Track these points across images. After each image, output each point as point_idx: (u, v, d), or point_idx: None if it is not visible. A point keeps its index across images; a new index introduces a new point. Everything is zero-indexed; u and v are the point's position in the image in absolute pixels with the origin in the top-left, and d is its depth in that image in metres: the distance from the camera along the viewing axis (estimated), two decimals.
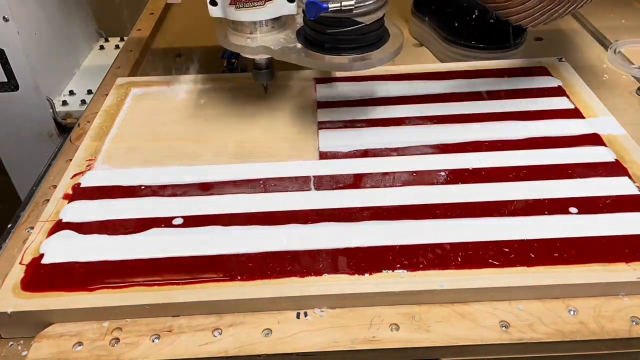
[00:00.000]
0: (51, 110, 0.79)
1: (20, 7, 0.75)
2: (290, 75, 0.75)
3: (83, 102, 0.83)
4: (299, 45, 0.61)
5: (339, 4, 0.54)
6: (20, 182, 0.82)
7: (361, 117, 0.67)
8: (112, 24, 1.03)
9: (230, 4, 0.59)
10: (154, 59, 0.88)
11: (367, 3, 0.55)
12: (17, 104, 0.75)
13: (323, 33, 0.58)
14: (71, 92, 0.87)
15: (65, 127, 0.80)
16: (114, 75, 0.81)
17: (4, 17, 0.71)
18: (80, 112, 0.75)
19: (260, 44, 0.61)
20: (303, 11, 0.59)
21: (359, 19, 0.56)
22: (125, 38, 0.96)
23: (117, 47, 0.99)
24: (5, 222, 0.60)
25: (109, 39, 1.02)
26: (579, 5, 0.57)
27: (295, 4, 0.60)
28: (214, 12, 0.61)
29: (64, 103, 0.84)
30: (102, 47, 1.00)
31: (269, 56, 0.63)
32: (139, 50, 0.89)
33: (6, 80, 0.71)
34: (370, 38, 0.59)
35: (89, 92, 0.85)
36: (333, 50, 0.59)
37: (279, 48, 0.61)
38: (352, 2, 0.54)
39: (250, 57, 0.64)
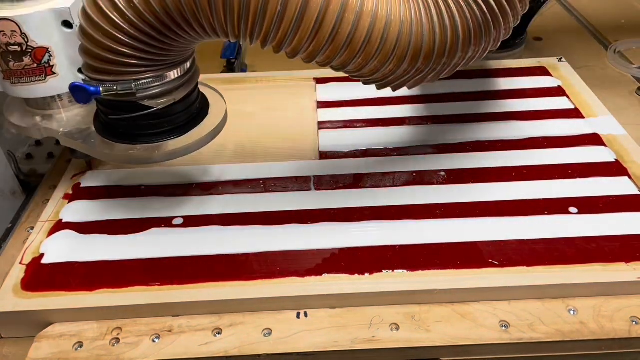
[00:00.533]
0: (13, 166, 0.66)
1: None
2: (291, 76, 0.75)
3: (50, 155, 0.69)
4: (92, 129, 0.50)
5: (114, 87, 0.44)
6: None
7: (361, 117, 0.67)
8: None
9: (5, 78, 0.50)
10: None
11: (152, 85, 0.45)
12: None
13: (110, 118, 0.48)
14: (38, 143, 0.72)
15: (29, 185, 0.66)
16: None
17: None
18: (46, 168, 0.65)
19: (43, 125, 0.52)
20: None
21: (149, 104, 0.46)
22: None
23: None
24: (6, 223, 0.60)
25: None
26: (439, 75, 0.50)
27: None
28: None
29: (29, 156, 0.70)
30: None
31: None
32: None
33: None
34: (175, 121, 0.49)
35: (58, 143, 0.70)
36: (125, 137, 0.48)
37: (67, 131, 0.51)
38: (131, 86, 0.44)
39: (39, 138, 0.54)
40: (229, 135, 0.65)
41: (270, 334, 0.45)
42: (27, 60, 0.49)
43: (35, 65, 0.50)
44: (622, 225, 0.51)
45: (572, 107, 0.67)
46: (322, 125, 0.66)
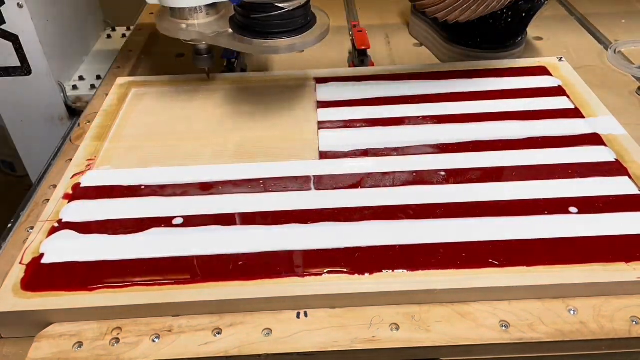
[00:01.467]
0: (62, 94, 0.82)
1: None
2: (291, 75, 0.75)
3: (92, 86, 0.86)
4: (230, 31, 0.65)
5: None
6: (31, 164, 0.85)
7: (361, 117, 0.66)
8: (119, 14, 1.07)
9: None
10: (154, 59, 0.88)
11: None
12: (29, 88, 0.78)
13: (248, 18, 0.62)
14: (81, 77, 0.89)
15: (75, 111, 0.83)
16: (113, 75, 0.81)
17: (18, 4, 0.73)
18: (89, 96, 0.80)
19: (194, 29, 0.65)
20: None
21: (281, 5, 0.60)
22: (132, 27, 1.00)
23: (123, 35, 1.01)
24: (5, 222, 0.60)
25: (116, 28, 1.05)
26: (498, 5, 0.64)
27: None
28: None
29: (74, 87, 0.86)
30: (109, 36, 1.02)
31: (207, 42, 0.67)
32: (139, 50, 0.89)
33: (19, 64, 0.74)
34: (295, 24, 0.63)
35: (98, 77, 0.88)
36: (259, 34, 0.63)
37: (212, 33, 0.65)
38: None
39: (186, 41, 0.67)
40: (229, 135, 0.65)
41: (270, 334, 0.45)
42: None
43: None
44: (622, 225, 0.51)
45: (572, 107, 0.67)
46: (322, 125, 0.66)
